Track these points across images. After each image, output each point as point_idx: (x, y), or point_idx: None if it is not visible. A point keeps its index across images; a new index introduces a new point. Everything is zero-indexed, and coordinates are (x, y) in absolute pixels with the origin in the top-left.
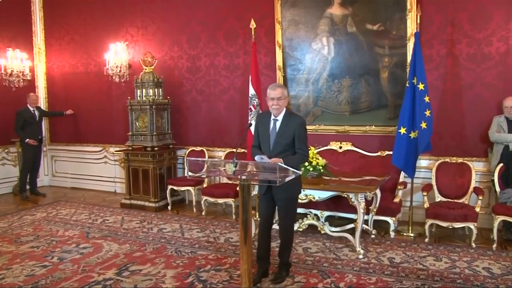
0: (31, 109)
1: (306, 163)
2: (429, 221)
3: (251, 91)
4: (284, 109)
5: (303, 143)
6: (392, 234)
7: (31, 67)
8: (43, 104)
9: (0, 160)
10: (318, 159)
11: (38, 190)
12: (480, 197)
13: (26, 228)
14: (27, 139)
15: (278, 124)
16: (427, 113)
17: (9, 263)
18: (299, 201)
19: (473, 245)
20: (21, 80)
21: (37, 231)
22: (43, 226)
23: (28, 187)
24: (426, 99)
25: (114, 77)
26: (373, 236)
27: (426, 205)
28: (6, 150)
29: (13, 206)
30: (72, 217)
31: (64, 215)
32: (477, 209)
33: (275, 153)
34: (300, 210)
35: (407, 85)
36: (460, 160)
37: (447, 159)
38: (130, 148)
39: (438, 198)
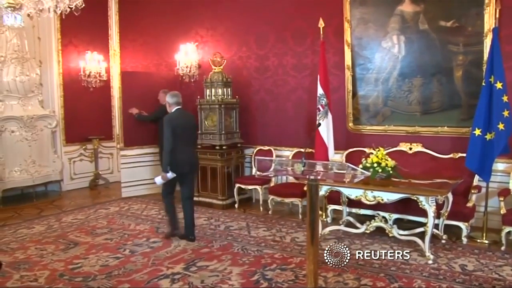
0: None
1: (375, 165)
2: (506, 229)
3: (320, 90)
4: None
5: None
6: (465, 240)
7: (107, 68)
8: (117, 102)
9: (78, 156)
10: (387, 160)
11: None
12: None
13: (101, 220)
14: None
15: None
16: (506, 113)
17: (86, 253)
18: (367, 202)
19: None
20: (98, 81)
21: (111, 224)
22: (116, 219)
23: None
24: (505, 98)
25: (184, 77)
26: (443, 241)
27: (503, 211)
28: (84, 147)
29: (89, 200)
30: (143, 212)
31: (136, 210)
32: None
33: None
34: (367, 212)
35: (483, 84)
36: None
37: None
38: (199, 146)
39: None
